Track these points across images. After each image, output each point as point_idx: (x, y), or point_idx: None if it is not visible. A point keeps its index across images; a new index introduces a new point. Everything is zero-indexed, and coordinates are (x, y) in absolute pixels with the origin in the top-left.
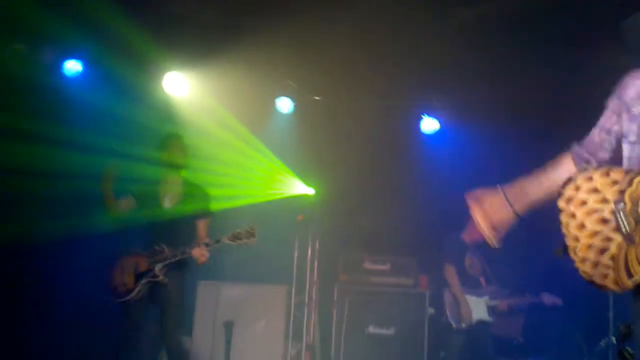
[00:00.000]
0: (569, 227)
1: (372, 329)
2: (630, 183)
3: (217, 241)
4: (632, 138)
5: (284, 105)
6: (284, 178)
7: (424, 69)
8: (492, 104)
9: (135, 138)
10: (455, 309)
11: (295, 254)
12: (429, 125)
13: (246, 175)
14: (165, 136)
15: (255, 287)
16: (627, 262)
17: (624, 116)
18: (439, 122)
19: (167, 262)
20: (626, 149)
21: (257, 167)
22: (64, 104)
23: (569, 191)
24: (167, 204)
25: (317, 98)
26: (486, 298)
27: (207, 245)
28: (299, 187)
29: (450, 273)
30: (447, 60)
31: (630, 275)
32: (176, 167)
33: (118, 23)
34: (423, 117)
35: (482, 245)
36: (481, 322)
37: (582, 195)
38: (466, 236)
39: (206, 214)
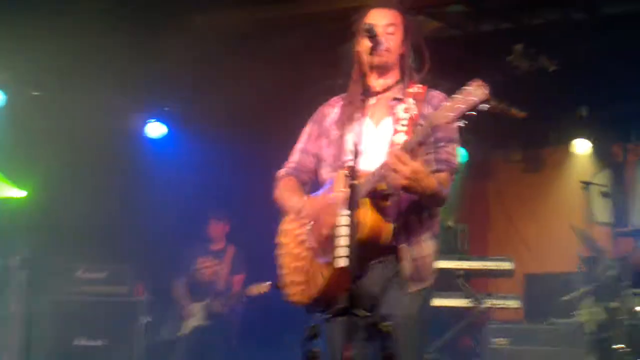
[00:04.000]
0: (281, 257)
1: (79, 342)
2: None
3: None
4: (329, 161)
5: None
6: None
7: (152, 71)
8: (219, 111)
9: None
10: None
11: None
12: (156, 129)
13: None
14: None
15: None
16: (313, 274)
17: (324, 141)
18: (167, 126)
19: None
20: (323, 172)
21: None
22: None
23: (281, 225)
24: None
25: (34, 93)
26: (206, 301)
27: None
28: (5, 189)
29: (175, 288)
30: (176, 65)
31: (313, 285)
32: None
33: None
34: (150, 121)
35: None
36: (197, 328)
37: (287, 225)
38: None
39: None
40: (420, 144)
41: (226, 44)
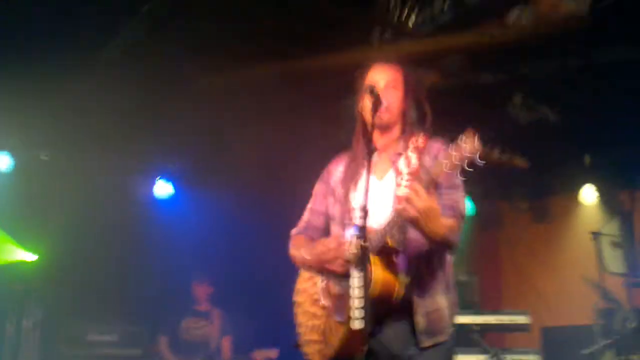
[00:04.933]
0: (297, 316)
1: None
2: None
3: None
4: (338, 219)
5: (2, 163)
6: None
7: (159, 132)
8: (225, 170)
9: None
10: None
11: (8, 329)
12: (163, 189)
13: None
14: None
15: None
16: (329, 334)
17: (330, 200)
18: (173, 186)
19: None
20: (333, 230)
21: None
22: None
23: (297, 284)
24: None
25: (43, 157)
26: None
27: None
28: (17, 253)
29: (161, 345)
30: (181, 124)
31: (330, 345)
32: None
33: None
34: (157, 180)
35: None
36: None
37: (302, 284)
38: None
39: None
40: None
41: (230, 103)
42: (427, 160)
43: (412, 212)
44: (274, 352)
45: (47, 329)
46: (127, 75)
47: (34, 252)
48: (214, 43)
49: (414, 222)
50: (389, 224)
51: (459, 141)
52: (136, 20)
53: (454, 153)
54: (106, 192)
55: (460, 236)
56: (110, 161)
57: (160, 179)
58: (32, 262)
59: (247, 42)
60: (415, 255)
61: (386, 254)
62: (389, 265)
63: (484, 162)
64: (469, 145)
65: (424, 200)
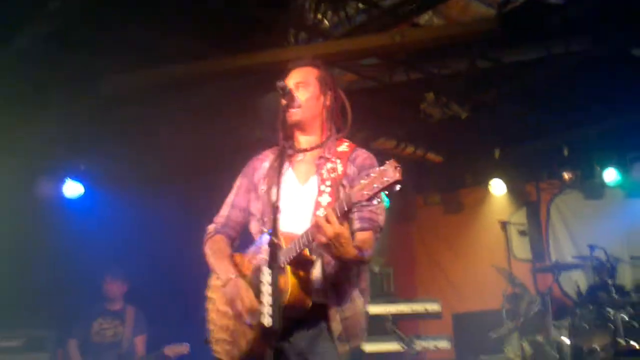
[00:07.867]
0: (209, 313)
1: None
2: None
3: None
4: (258, 216)
5: None
6: None
7: (69, 132)
8: (138, 170)
9: None
10: None
11: None
12: (72, 189)
13: None
14: None
15: None
16: (237, 335)
17: (252, 195)
18: (84, 186)
19: None
20: (252, 226)
21: None
22: None
23: (211, 279)
24: None
25: None
26: None
27: None
28: None
29: (70, 348)
30: (94, 125)
31: (238, 346)
32: None
33: None
34: (66, 180)
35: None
36: None
37: (216, 281)
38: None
39: None
40: (341, 214)
41: (142, 103)
42: (352, 169)
43: (321, 239)
44: (185, 347)
45: None
46: (34, 70)
47: None
48: (128, 40)
49: (324, 247)
50: (305, 234)
51: (381, 168)
52: (46, 14)
53: (376, 178)
54: (11, 193)
55: (374, 248)
56: (16, 160)
57: (69, 178)
58: None
59: (164, 41)
60: (332, 264)
61: (301, 263)
62: (303, 279)
63: (399, 188)
64: (391, 173)
65: (335, 228)
